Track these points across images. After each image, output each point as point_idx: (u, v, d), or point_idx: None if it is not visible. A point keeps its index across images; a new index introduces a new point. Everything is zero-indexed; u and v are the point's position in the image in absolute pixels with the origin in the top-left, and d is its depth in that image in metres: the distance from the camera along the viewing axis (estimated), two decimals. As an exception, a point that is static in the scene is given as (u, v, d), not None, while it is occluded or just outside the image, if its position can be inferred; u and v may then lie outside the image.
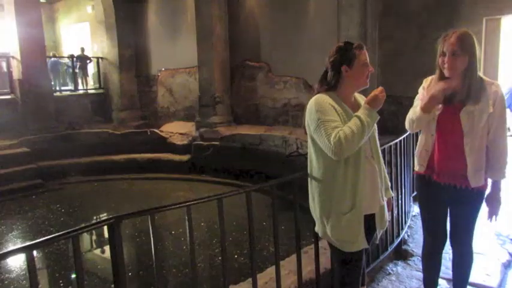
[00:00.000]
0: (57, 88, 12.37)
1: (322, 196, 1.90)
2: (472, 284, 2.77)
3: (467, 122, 2.07)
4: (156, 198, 7.56)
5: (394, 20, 6.97)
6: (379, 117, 1.81)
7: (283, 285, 2.30)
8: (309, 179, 2.01)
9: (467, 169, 2.10)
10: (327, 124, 1.77)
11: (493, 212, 2.23)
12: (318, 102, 1.85)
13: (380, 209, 1.98)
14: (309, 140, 1.95)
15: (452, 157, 2.14)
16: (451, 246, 2.42)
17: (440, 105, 2.12)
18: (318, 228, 2.00)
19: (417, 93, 2.32)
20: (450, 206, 2.30)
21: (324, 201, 1.90)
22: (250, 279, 2.27)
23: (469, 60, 2.05)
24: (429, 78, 2.28)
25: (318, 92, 1.94)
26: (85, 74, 12.65)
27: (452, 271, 2.49)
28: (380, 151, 2.05)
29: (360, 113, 1.79)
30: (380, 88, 1.82)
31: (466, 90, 2.07)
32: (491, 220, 2.27)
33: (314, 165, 1.94)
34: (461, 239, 2.32)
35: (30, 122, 9.62)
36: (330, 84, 1.93)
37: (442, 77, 2.14)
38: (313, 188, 1.97)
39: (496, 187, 2.18)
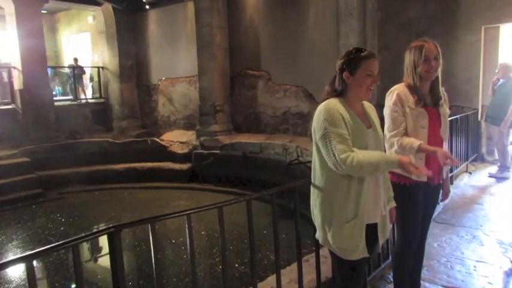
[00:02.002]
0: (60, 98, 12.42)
1: (325, 204, 1.88)
2: (474, 292, 2.75)
3: (444, 123, 2.32)
4: (156, 207, 7.54)
5: (393, 28, 7.02)
6: (397, 166, 1.83)
7: (284, 294, 2.29)
8: (311, 186, 2.00)
9: (441, 165, 2.31)
10: (335, 137, 1.75)
11: (447, 195, 2.55)
12: (327, 110, 1.81)
13: (382, 218, 1.97)
14: (314, 147, 1.91)
15: (436, 158, 2.22)
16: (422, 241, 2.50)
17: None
18: (318, 235, 1.97)
19: None
20: (427, 204, 2.38)
21: (326, 208, 1.88)
22: (251, 288, 2.25)
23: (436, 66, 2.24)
24: (395, 89, 2.28)
25: (327, 97, 1.90)
26: (80, 84, 12.64)
27: (416, 266, 2.51)
28: None
29: (387, 157, 1.86)
30: (423, 171, 1.89)
31: (437, 94, 2.29)
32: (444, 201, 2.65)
33: (318, 172, 1.92)
34: (426, 234, 2.52)
35: (31, 131, 9.64)
36: (338, 89, 1.90)
37: (414, 85, 2.23)
38: (315, 195, 1.95)
39: (447, 174, 2.51)
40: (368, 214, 1.86)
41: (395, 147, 2.22)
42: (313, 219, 2.00)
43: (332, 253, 1.97)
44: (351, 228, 1.82)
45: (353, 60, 1.84)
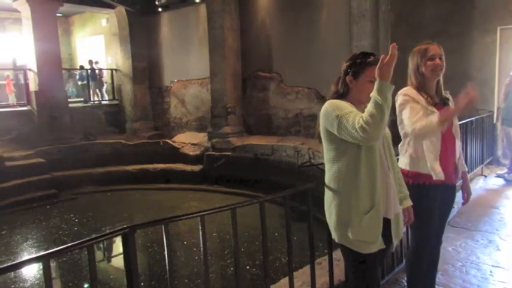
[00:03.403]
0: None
1: (341, 199, 1.88)
2: (490, 298, 2.71)
3: (455, 121, 2.32)
4: (168, 208, 7.58)
5: (406, 30, 6.96)
6: (393, 86, 1.71)
7: (296, 296, 2.28)
8: (325, 188, 1.99)
9: (456, 165, 2.35)
10: (347, 116, 1.75)
11: (469, 197, 2.48)
12: (331, 104, 1.86)
13: (395, 216, 1.96)
14: (325, 146, 1.93)
15: (449, 156, 2.30)
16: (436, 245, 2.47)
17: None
18: (334, 234, 1.96)
19: None
20: (442, 205, 2.35)
21: (342, 204, 1.88)
22: (263, 291, 2.25)
23: (442, 67, 2.26)
24: (403, 90, 2.29)
25: (330, 98, 1.95)
26: (97, 86, 12.83)
27: (431, 270, 2.49)
28: (395, 157, 2.04)
29: (373, 91, 1.71)
30: (391, 46, 1.68)
31: (441, 94, 2.31)
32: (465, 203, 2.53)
33: (331, 170, 1.93)
34: (441, 237, 2.48)
35: (46, 132, 9.79)
36: (339, 91, 1.94)
37: (420, 85, 2.27)
38: (330, 194, 1.94)
39: (466, 175, 2.48)
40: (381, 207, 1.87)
41: (417, 130, 2.18)
42: (327, 219, 1.99)
43: (347, 253, 1.95)
44: (370, 219, 1.83)
45: (358, 65, 1.87)
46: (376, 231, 1.85)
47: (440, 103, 2.29)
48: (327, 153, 1.94)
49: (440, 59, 2.24)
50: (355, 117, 1.73)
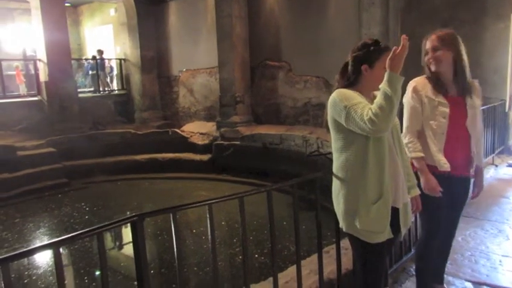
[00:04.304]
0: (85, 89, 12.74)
1: (349, 189, 1.88)
2: (496, 287, 2.69)
3: (470, 114, 2.24)
4: (177, 197, 7.65)
5: (417, 17, 6.84)
6: (403, 78, 1.69)
7: (304, 285, 2.29)
8: (333, 177, 1.98)
9: (470, 158, 2.29)
10: (356, 107, 1.74)
11: (479, 193, 2.44)
12: (339, 94, 1.84)
13: (404, 206, 1.95)
14: (333, 135, 1.92)
15: (459, 148, 2.27)
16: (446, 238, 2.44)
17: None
18: (342, 224, 1.96)
19: None
20: (452, 197, 2.32)
21: (350, 194, 1.88)
22: (271, 278, 2.26)
23: (455, 56, 2.19)
24: (413, 81, 2.31)
25: (338, 87, 1.93)
26: (105, 76, 12.88)
27: (441, 262, 2.52)
28: (403, 146, 2.04)
29: (383, 82, 1.70)
30: (402, 37, 1.67)
31: (461, 85, 2.22)
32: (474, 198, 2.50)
33: (339, 160, 1.91)
34: (454, 231, 2.47)
35: (56, 122, 9.88)
36: (350, 80, 1.91)
37: (433, 75, 2.25)
38: (338, 183, 1.94)
39: (481, 171, 2.44)
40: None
41: (405, 140, 2.26)
42: (335, 209, 2.00)
43: (355, 242, 1.95)
44: (377, 209, 1.83)
45: (372, 53, 1.84)
46: (384, 221, 1.85)
47: (459, 94, 2.23)
48: (334, 143, 1.93)
49: (436, 51, 2.19)
50: (364, 108, 1.71)
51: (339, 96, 1.83)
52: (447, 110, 2.20)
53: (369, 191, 1.83)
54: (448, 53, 2.18)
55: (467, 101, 2.24)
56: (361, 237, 1.90)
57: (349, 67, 1.91)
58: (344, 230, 1.97)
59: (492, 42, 6.35)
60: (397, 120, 1.95)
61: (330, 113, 1.89)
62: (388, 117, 1.66)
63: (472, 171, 2.35)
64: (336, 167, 1.95)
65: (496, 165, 5.65)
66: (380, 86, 1.70)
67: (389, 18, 6.69)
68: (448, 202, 2.28)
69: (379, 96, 1.69)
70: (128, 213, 7.16)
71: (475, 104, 2.27)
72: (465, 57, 2.20)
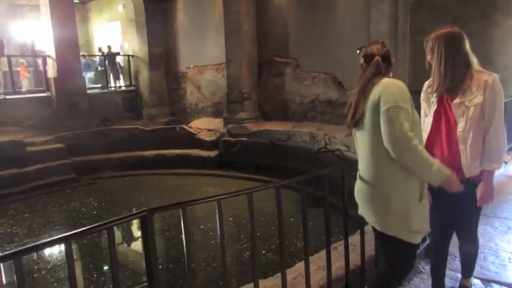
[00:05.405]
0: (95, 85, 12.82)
1: (399, 190, 1.83)
2: (505, 284, 2.68)
3: (459, 113, 2.10)
4: (184, 193, 7.68)
5: (426, 13, 6.77)
6: (433, 184, 1.82)
7: (312, 280, 2.30)
8: (368, 177, 1.91)
9: (461, 160, 2.11)
10: (404, 113, 1.72)
11: (483, 200, 2.17)
12: (398, 86, 1.79)
13: None
14: (376, 136, 1.81)
15: (448, 149, 2.15)
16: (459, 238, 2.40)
17: None
18: (386, 226, 1.89)
19: None
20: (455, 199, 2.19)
21: (401, 196, 1.83)
22: (279, 274, 2.27)
23: (437, 57, 2.11)
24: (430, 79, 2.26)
25: (375, 76, 1.88)
26: (113, 71, 12.93)
27: (461, 261, 2.50)
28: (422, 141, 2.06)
29: (443, 167, 1.78)
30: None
31: (448, 84, 2.10)
32: (480, 205, 2.23)
33: (386, 163, 1.81)
34: (465, 231, 2.37)
35: (65, 118, 9.96)
36: (382, 71, 1.90)
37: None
38: (381, 186, 1.87)
39: (489, 176, 2.15)
40: None
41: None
42: (375, 212, 1.93)
43: (397, 244, 1.88)
44: (423, 207, 1.88)
45: (389, 62, 1.95)
46: (427, 219, 1.90)
47: (450, 92, 2.12)
48: (378, 147, 1.81)
49: (433, 51, 2.15)
50: (408, 120, 1.71)
51: (395, 88, 1.78)
52: (434, 109, 2.20)
53: (416, 191, 1.84)
54: (432, 55, 2.17)
55: (457, 99, 2.11)
56: (405, 238, 1.86)
57: (380, 63, 1.89)
58: (390, 234, 1.88)
59: (502, 39, 6.27)
60: (416, 115, 1.89)
61: (375, 98, 1.79)
62: (410, 161, 1.72)
63: (468, 173, 2.13)
64: (377, 172, 1.87)
65: (506, 162, 5.59)
66: (437, 163, 1.76)
67: (399, 14, 6.62)
68: (454, 205, 2.22)
69: (430, 158, 1.76)
70: (134, 209, 7.21)
71: (473, 103, 2.07)
72: (451, 58, 2.08)
